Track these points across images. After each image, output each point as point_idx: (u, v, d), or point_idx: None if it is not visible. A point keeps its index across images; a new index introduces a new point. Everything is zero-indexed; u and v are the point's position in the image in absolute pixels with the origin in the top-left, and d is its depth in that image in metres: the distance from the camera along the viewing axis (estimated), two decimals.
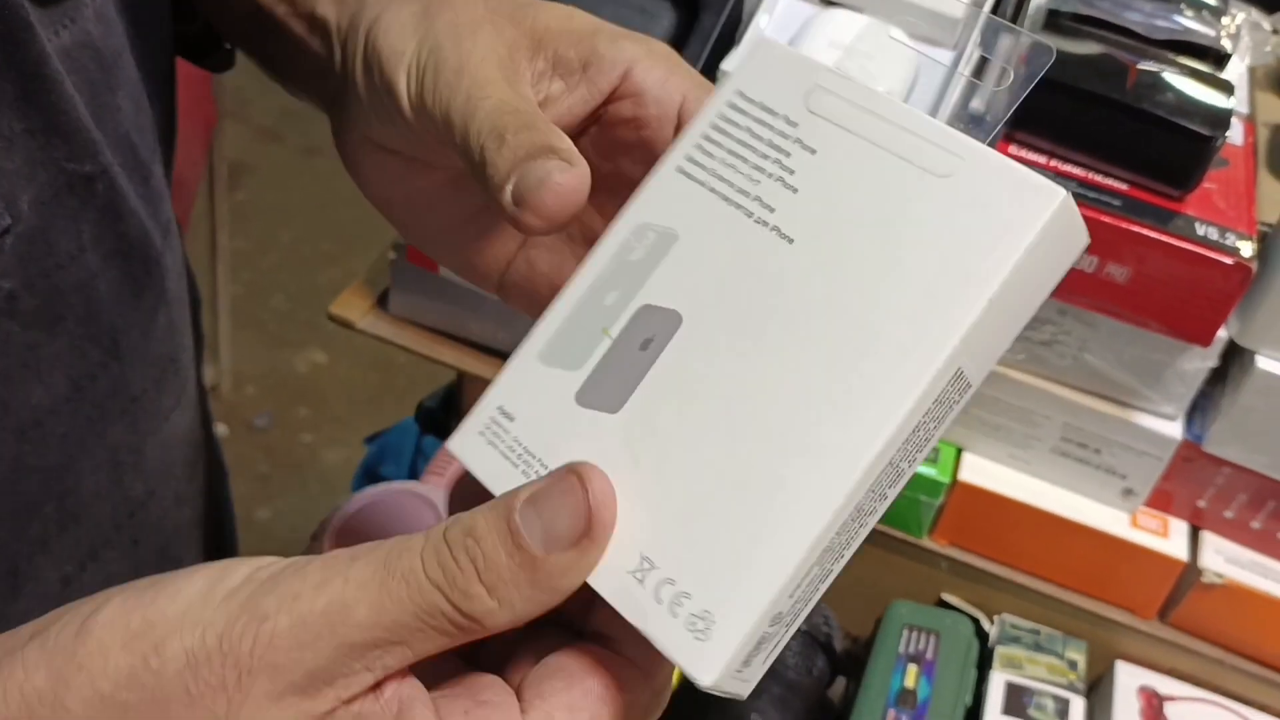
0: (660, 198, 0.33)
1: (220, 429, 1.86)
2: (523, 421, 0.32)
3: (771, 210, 0.31)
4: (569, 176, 0.32)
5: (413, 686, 0.29)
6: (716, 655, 0.28)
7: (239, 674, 0.27)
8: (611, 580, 0.29)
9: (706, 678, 0.28)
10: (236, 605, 0.28)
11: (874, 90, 0.31)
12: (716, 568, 0.28)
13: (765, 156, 0.32)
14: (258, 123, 2.35)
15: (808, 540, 0.28)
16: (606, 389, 0.31)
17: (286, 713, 0.27)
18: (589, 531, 0.29)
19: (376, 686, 0.28)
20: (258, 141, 2.35)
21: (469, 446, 0.33)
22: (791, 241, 0.30)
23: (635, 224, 0.33)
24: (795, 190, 0.31)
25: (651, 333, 0.31)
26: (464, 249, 0.42)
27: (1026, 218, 0.28)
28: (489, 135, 0.33)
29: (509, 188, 0.33)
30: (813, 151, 0.31)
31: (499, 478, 0.32)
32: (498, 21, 0.36)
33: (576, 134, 0.37)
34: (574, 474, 0.29)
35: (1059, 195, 0.28)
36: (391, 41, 0.36)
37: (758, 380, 0.29)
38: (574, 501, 0.29)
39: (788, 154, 0.31)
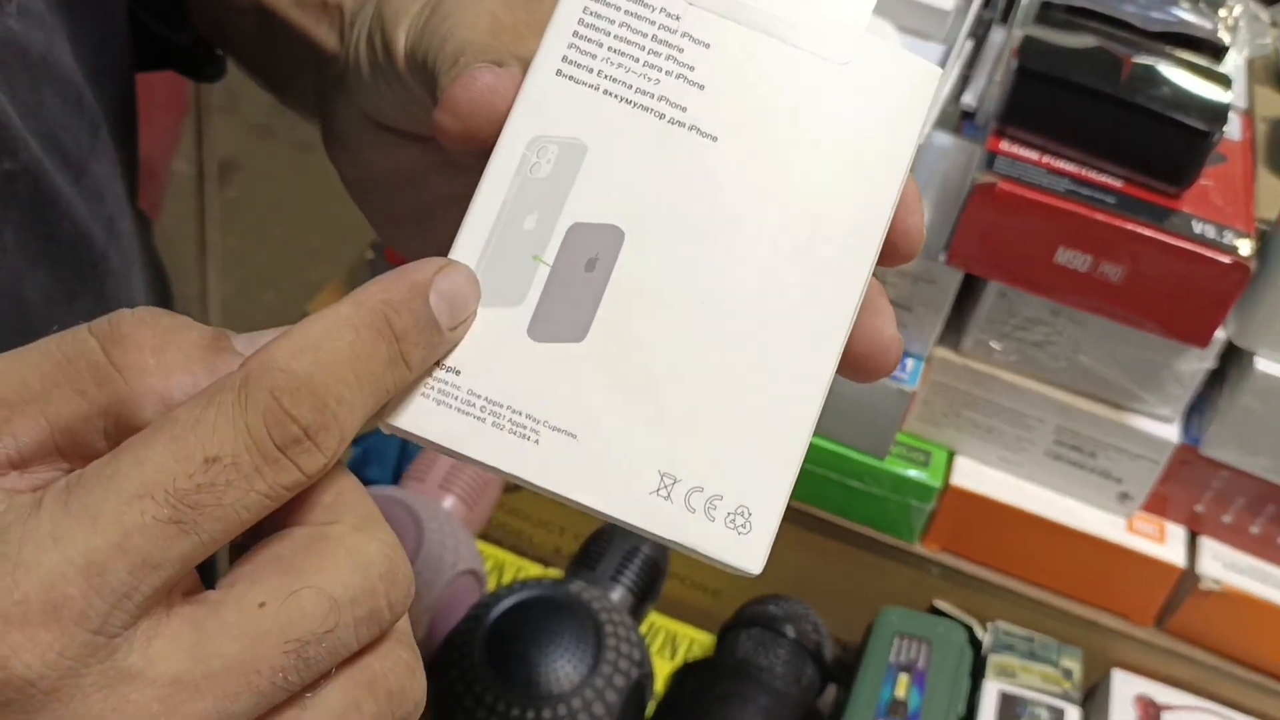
0: (549, 106, 0.31)
1: None
2: (473, 372, 0.29)
3: (684, 109, 0.31)
4: (487, 72, 0.30)
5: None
6: (759, 543, 0.29)
7: None
8: (634, 506, 0.29)
9: (756, 566, 0.29)
10: None
11: None
12: (737, 462, 0.29)
13: (657, 54, 0.31)
14: (249, 119, 2.33)
15: (812, 411, 0.30)
16: (562, 318, 0.29)
17: None
18: None
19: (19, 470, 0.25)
20: (249, 138, 2.33)
21: (413, 414, 0.29)
22: (715, 139, 0.30)
23: (529, 137, 0.30)
24: (702, 87, 0.31)
25: (594, 252, 0.30)
26: (442, 231, 0.40)
27: (920, 94, 0.31)
28: (446, 60, 0.32)
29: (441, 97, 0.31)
30: (706, 46, 0.31)
31: (467, 437, 0.29)
32: (512, 1, 0.35)
33: None
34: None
35: (936, 71, 0.32)
36: (398, 4, 0.36)
37: (719, 278, 0.30)
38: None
39: (680, 49, 0.31)
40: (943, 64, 0.75)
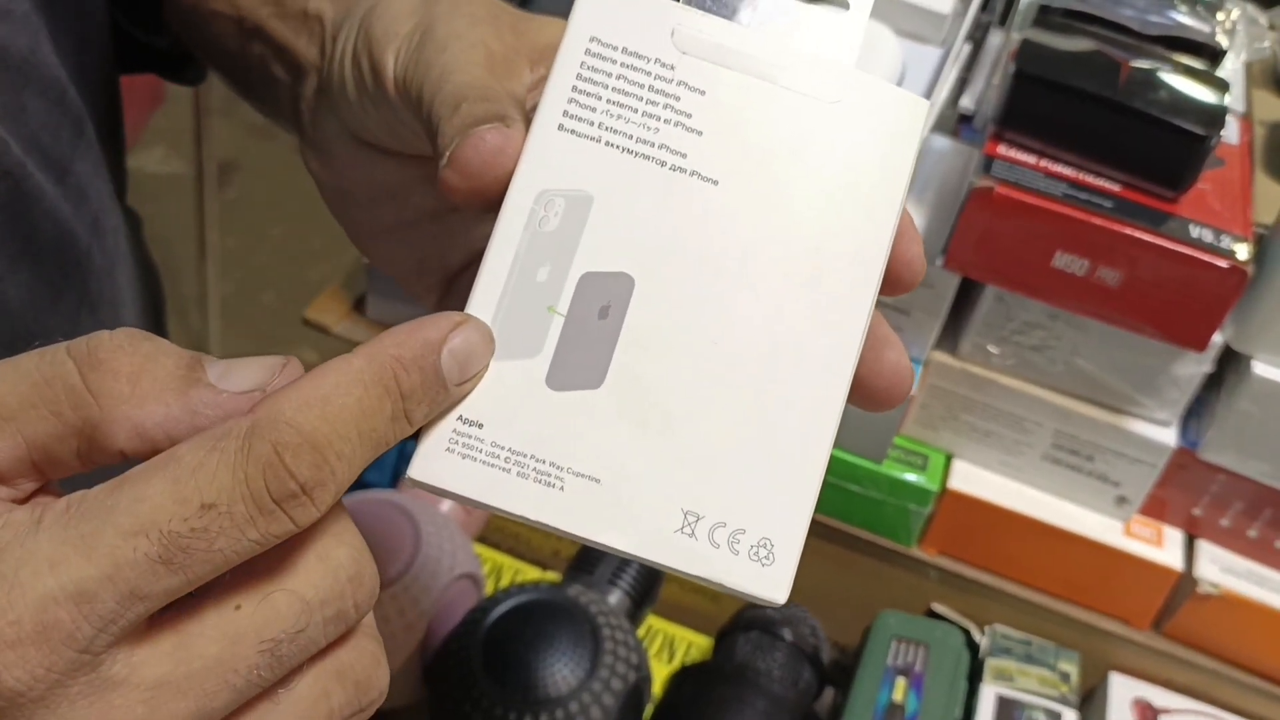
0: (553, 161, 0.32)
1: None
2: (495, 425, 0.30)
3: (684, 156, 0.32)
4: (495, 133, 0.31)
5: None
6: (783, 574, 0.30)
7: None
8: (661, 545, 0.30)
9: (781, 595, 0.30)
10: None
11: (731, 24, 0.32)
12: (757, 496, 0.30)
13: (654, 104, 0.32)
14: (247, 120, 2.33)
15: (826, 441, 0.31)
16: (579, 366, 0.31)
17: None
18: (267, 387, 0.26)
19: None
20: (248, 139, 2.33)
21: (439, 468, 0.30)
22: (716, 183, 0.31)
23: (535, 192, 0.31)
24: (700, 133, 0.32)
25: (606, 299, 0.31)
26: (420, 245, 0.40)
27: (909, 126, 0.32)
28: (447, 105, 0.32)
29: (447, 153, 0.32)
30: (701, 93, 0.32)
31: (494, 489, 0.30)
32: (500, 26, 0.36)
33: None
34: (289, 359, 0.28)
35: (924, 103, 0.33)
36: (386, 24, 0.36)
37: (728, 318, 0.31)
38: (270, 363, 0.27)
39: (677, 98, 0.32)
40: (940, 67, 0.75)
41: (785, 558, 0.30)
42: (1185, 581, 0.75)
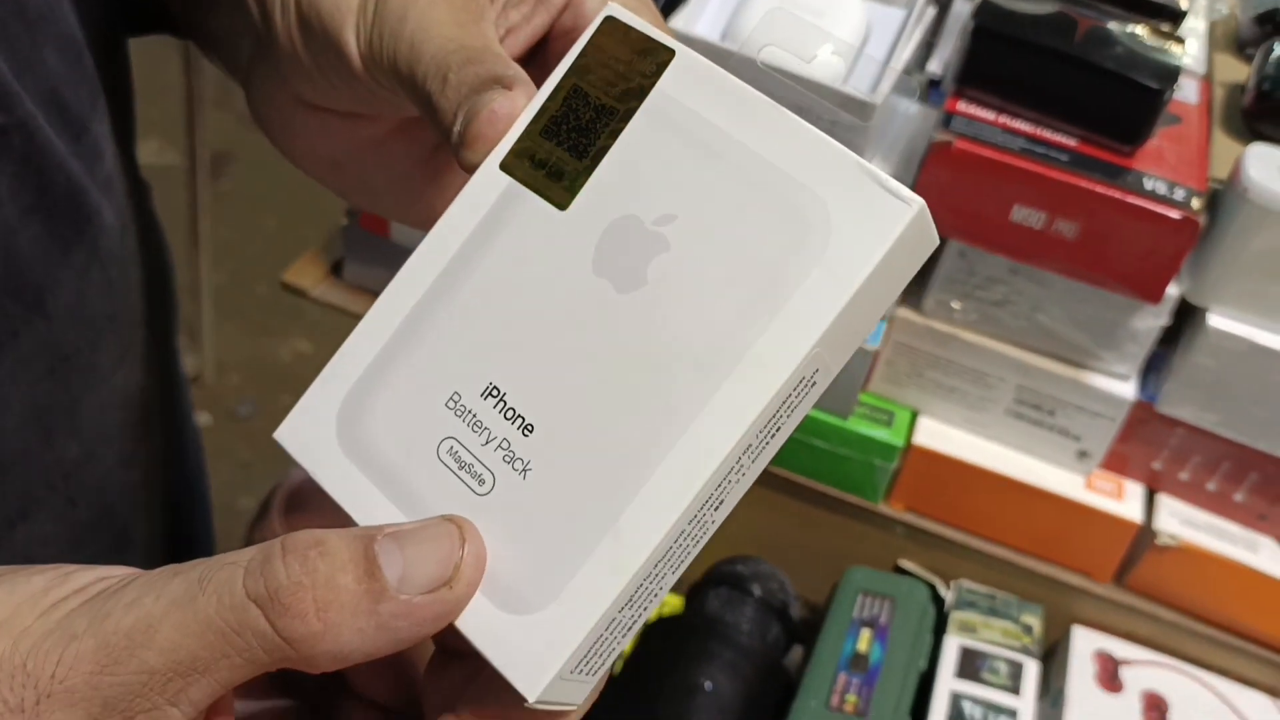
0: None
1: (203, 417, 1.85)
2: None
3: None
4: (504, 101, 0.31)
5: None
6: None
7: (37, 697, 0.25)
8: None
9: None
10: (57, 618, 0.26)
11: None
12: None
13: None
14: (241, 111, 2.34)
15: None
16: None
17: None
18: (450, 584, 0.27)
19: None
20: (241, 130, 2.34)
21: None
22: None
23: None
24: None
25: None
26: (422, 194, 0.40)
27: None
28: (433, 77, 0.32)
29: (456, 128, 0.32)
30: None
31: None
32: None
33: (535, 53, 0.36)
34: (453, 523, 0.28)
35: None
36: None
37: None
38: (447, 549, 0.28)
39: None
40: (903, 29, 0.76)
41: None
42: (1145, 534, 0.76)
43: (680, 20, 0.74)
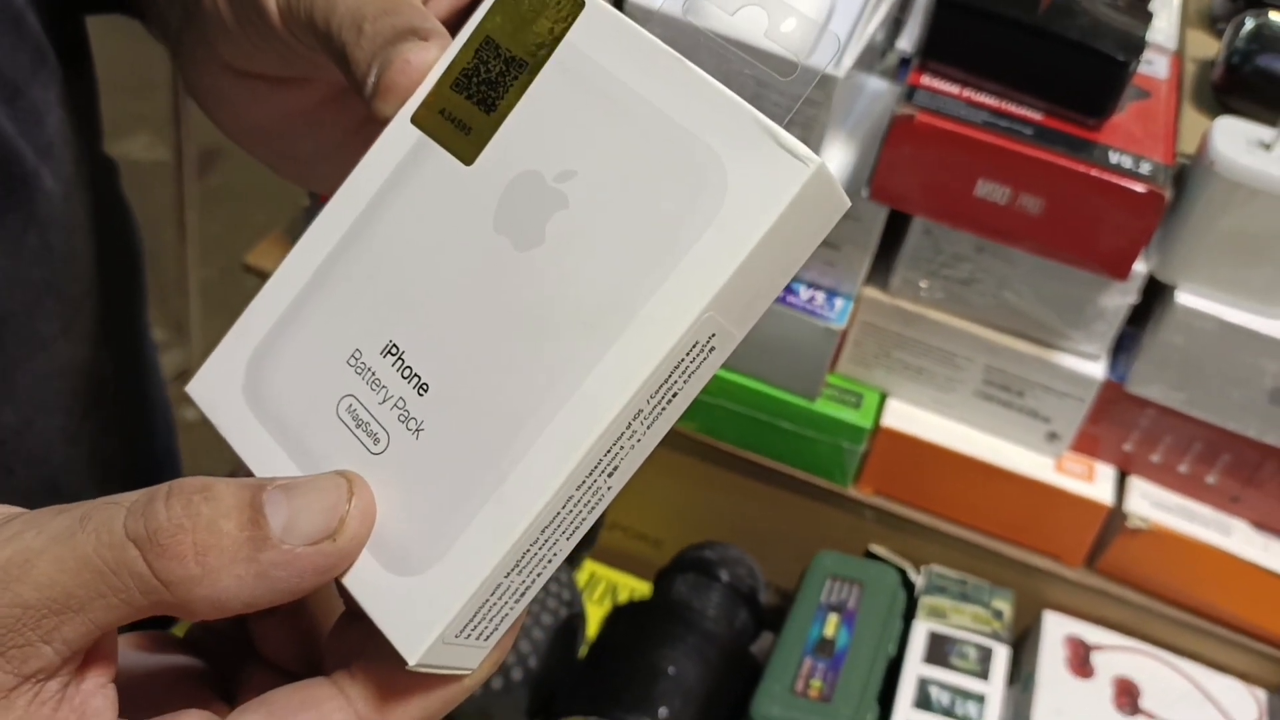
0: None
1: (191, 413, 1.85)
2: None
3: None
4: (419, 51, 0.31)
5: (105, 698, 0.27)
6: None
7: None
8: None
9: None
10: None
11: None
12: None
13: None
14: None
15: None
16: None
17: None
18: (335, 536, 0.27)
19: (75, 673, 0.26)
20: None
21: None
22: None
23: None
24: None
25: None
26: (353, 166, 0.40)
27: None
28: (348, 28, 0.32)
29: (370, 79, 0.31)
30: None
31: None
32: None
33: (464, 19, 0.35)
34: (344, 478, 0.28)
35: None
36: None
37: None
38: (333, 501, 0.27)
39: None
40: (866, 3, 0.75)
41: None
42: (1116, 517, 0.75)
43: None
